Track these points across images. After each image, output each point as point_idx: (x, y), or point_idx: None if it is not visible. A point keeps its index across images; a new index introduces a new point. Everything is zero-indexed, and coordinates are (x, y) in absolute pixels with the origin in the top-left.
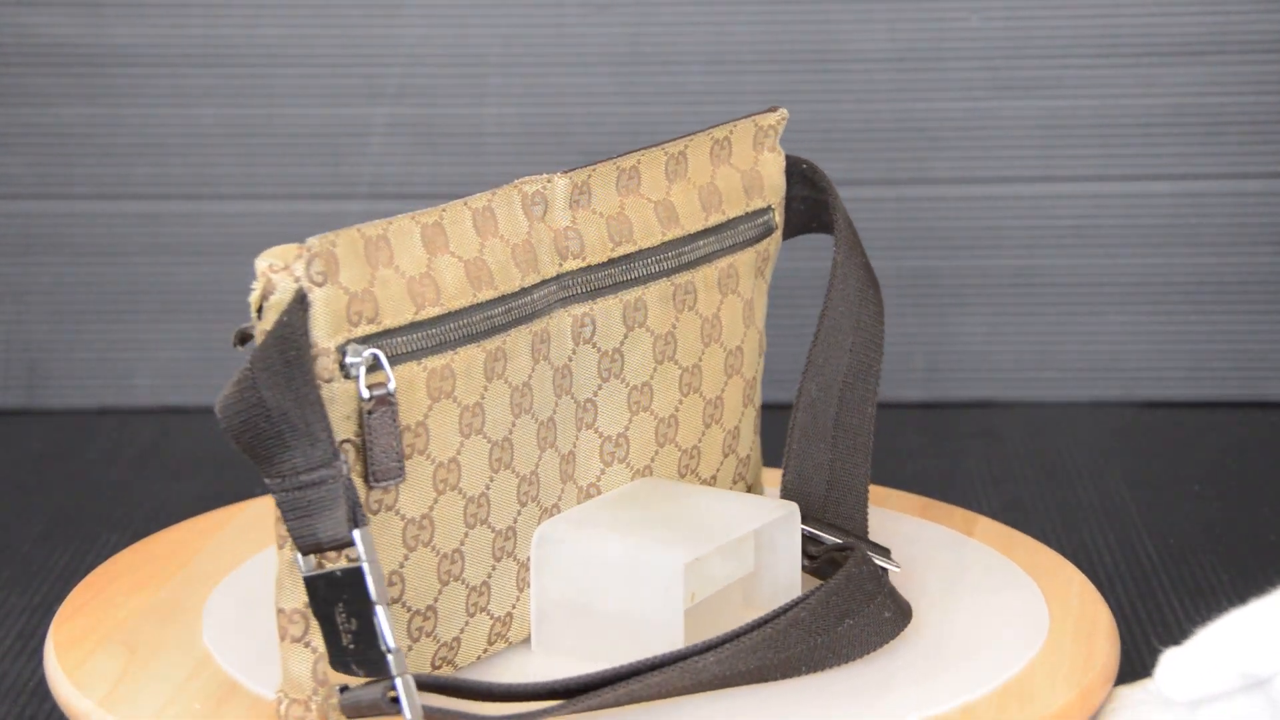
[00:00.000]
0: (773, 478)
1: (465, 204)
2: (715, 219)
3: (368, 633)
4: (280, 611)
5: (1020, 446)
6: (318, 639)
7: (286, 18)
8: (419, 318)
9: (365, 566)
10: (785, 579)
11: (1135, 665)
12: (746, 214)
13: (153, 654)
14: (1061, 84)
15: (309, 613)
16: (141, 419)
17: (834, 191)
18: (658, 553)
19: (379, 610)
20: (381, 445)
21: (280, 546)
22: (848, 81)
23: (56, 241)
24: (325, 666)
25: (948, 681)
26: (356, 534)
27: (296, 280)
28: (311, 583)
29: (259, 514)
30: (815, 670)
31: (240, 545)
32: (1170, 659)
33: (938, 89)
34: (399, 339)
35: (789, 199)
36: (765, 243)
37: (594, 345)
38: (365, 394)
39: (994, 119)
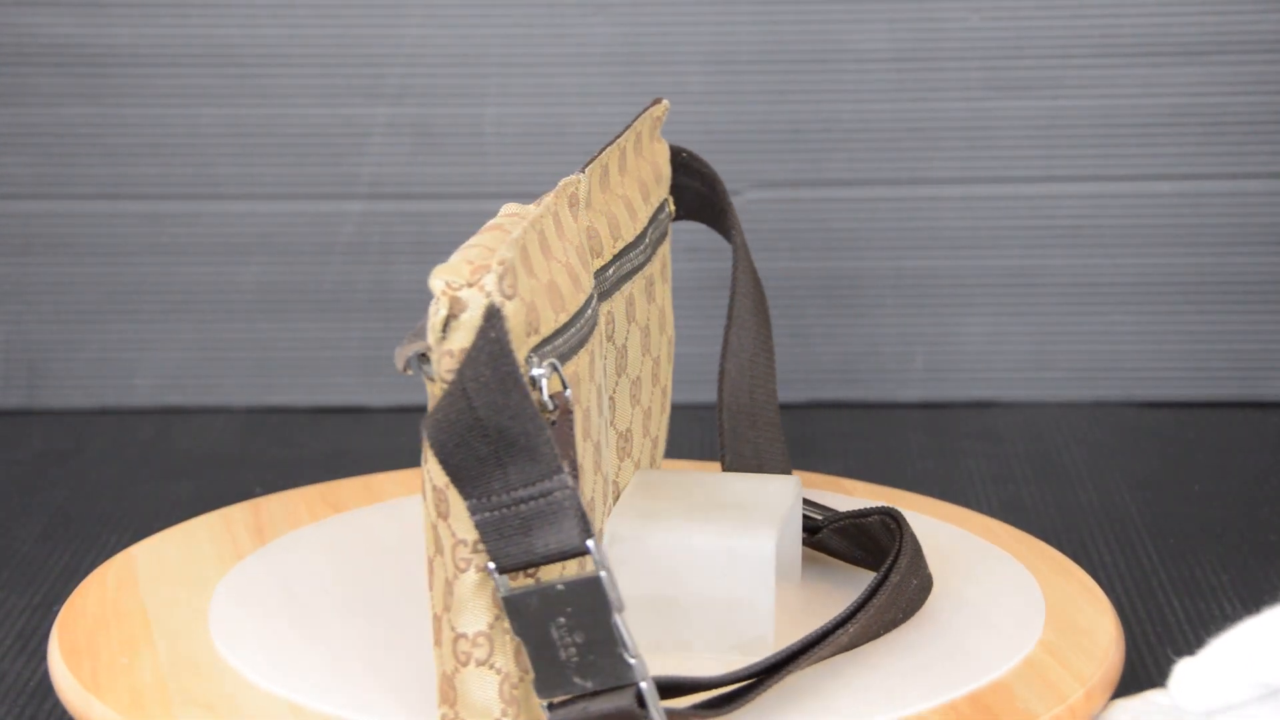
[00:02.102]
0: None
1: (547, 209)
2: (649, 210)
3: (603, 642)
4: (461, 636)
5: (1020, 446)
6: (503, 659)
7: (286, 18)
8: (557, 325)
9: (604, 574)
10: (788, 553)
11: (1135, 666)
12: (661, 204)
13: (236, 712)
14: (1061, 84)
15: (494, 634)
16: (141, 419)
17: (719, 179)
18: (748, 538)
19: (620, 617)
20: (564, 455)
21: (462, 570)
22: (848, 81)
23: (56, 241)
24: (512, 686)
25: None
26: (591, 543)
27: (488, 295)
28: (521, 601)
29: (155, 554)
30: (890, 630)
31: (175, 589)
32: (1184, 669)
33: (937, 89)
34: (548, 347)
35: (675, 187)
36: (669, 230)
37: (613, 341)
38: (550, 404)
39: (994, 119)
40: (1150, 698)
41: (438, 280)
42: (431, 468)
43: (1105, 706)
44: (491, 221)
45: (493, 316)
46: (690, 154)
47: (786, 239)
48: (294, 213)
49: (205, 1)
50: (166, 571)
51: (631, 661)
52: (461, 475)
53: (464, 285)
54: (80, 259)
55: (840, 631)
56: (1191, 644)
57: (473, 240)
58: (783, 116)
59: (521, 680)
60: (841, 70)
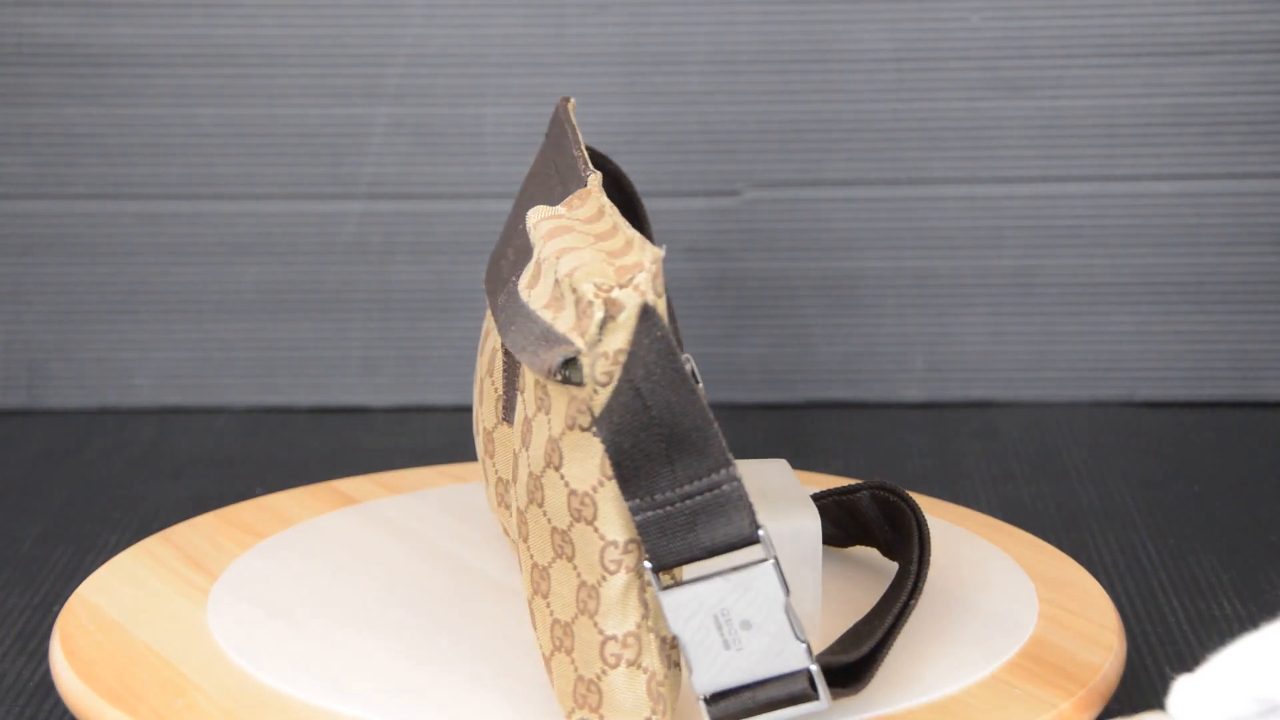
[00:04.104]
0: None
1: (604, 203)
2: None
3: (772, 630)
4: (610, 639)
5: (1020, 446)
6: (649, 658)
7: (286, 18)
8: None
9: (773, 561)
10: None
11: (1135, 666)
12: None
13: None
14: (1061, 84)
15: (641, 633)
16: (141, 419)
17: (623, 175)
18: (793, 520)
19: (788, 602)
20: None
21: (612, 572)
22: (848, 81)
23: (56, 241)
24: (658, 684)
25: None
26: (762, 531)
27: (643, 294)
28: (682, 596)
29: (109, 595)
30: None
31: (162, 625)
32: (1184, 685)
33: (937, 89)
34: None
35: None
36: None
37: None
38: None
39: (994, 119)
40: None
41: (587, 284)
42: (572, 471)
43: None
44: (550, 225)
45: (650, 315)
46: (594, 150)
47: (786, 239)
48: (294, 213)
49: (205, 1)
50: (138, 610)
51: (802, 645)
52: (630, 475)
53: (616, 286)
54: (80, 259)
55: (912, 601)
56: (1192, 644)
57: (559, 244)
58: (782, 116)
59: (666, 677)
60: (841, 70)
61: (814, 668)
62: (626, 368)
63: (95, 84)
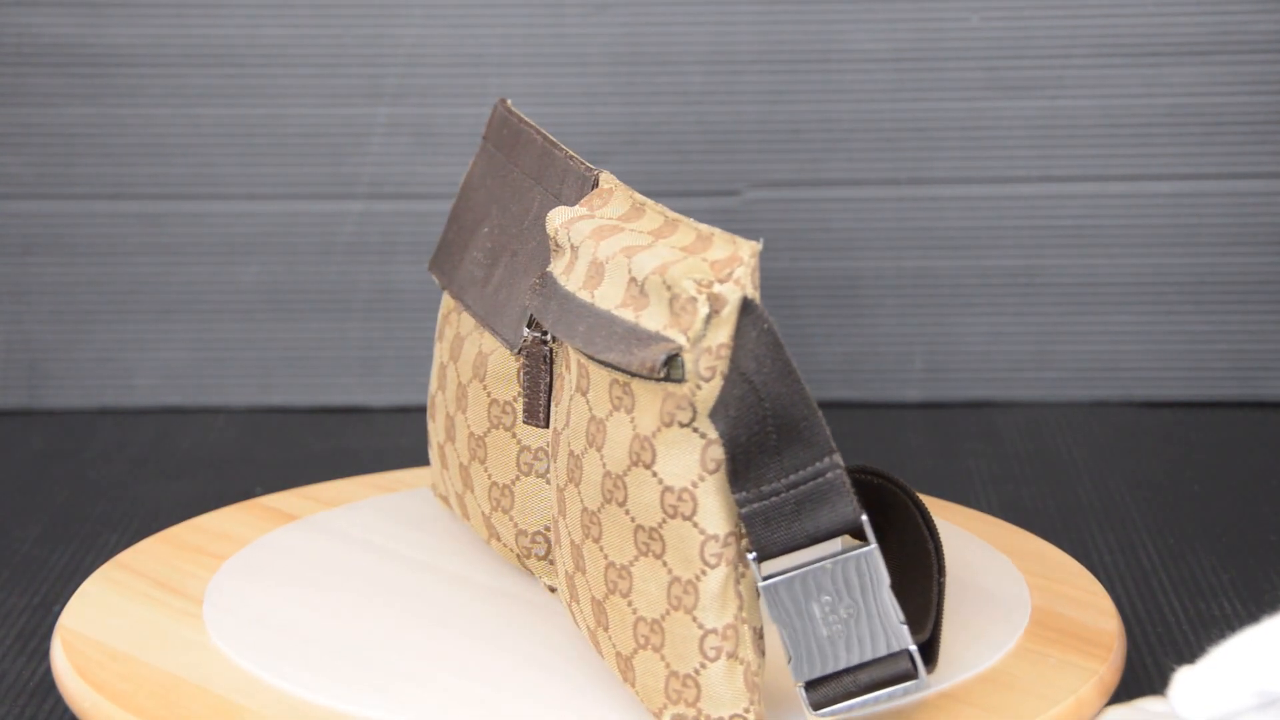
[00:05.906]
0: None
1: (639, 200)
2: None
3: (875, 613)
4: (711, 632)
5: (1020, 446)
6: (744, 649)
7: (286, 18)
8: None
9: (877, 546)
10: None
11: (1135, 666)
12: None
13: None
14: (1061, 84)
15: (738, 625)
16: (141, 419)
17: None
18: None
19: (888, 586)
20: None
21: (713, 566)
22: (848, 81)
23: (56, 241)
24: (753, 674)
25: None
26: (865, 516)
27: (743, 288)
28: (784, 586)
29: (97, 624)
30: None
31: (171, 651)
32: (1184, 677)
33: (937, 89)
34: None
35: None
36: None
37: None
38: None
39: (994, 119)
40: (1143, 705)
41: (687, 280)
42: (667, 468)
43: (1099, 713)
44: (590, 226)
45: (753, 308)
46: None
47: (786, 239)
48: (294, 213)
49: (205, 1)
50: (135, 637)
51: (905, 627)
52: (741, 468)
53: (716, 281)
54: (80, 259)
55: (942, 579)
56: (1192, 644)
57: (616, 243)
58: (782, 116)
59: (759, 668)
60: (841, 70)
61: (913, 647)
62: (736, 361)
63: (95, 84)
